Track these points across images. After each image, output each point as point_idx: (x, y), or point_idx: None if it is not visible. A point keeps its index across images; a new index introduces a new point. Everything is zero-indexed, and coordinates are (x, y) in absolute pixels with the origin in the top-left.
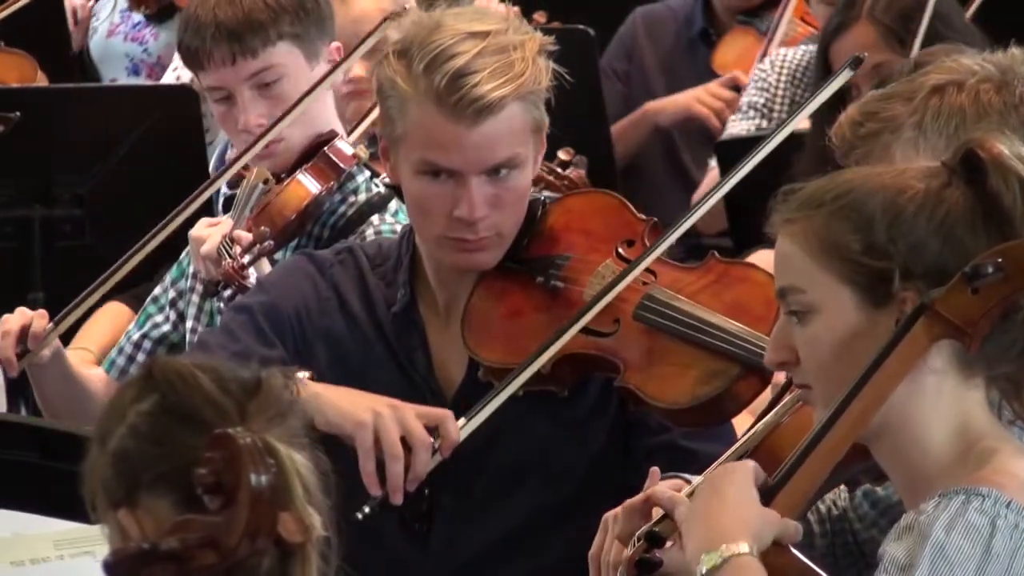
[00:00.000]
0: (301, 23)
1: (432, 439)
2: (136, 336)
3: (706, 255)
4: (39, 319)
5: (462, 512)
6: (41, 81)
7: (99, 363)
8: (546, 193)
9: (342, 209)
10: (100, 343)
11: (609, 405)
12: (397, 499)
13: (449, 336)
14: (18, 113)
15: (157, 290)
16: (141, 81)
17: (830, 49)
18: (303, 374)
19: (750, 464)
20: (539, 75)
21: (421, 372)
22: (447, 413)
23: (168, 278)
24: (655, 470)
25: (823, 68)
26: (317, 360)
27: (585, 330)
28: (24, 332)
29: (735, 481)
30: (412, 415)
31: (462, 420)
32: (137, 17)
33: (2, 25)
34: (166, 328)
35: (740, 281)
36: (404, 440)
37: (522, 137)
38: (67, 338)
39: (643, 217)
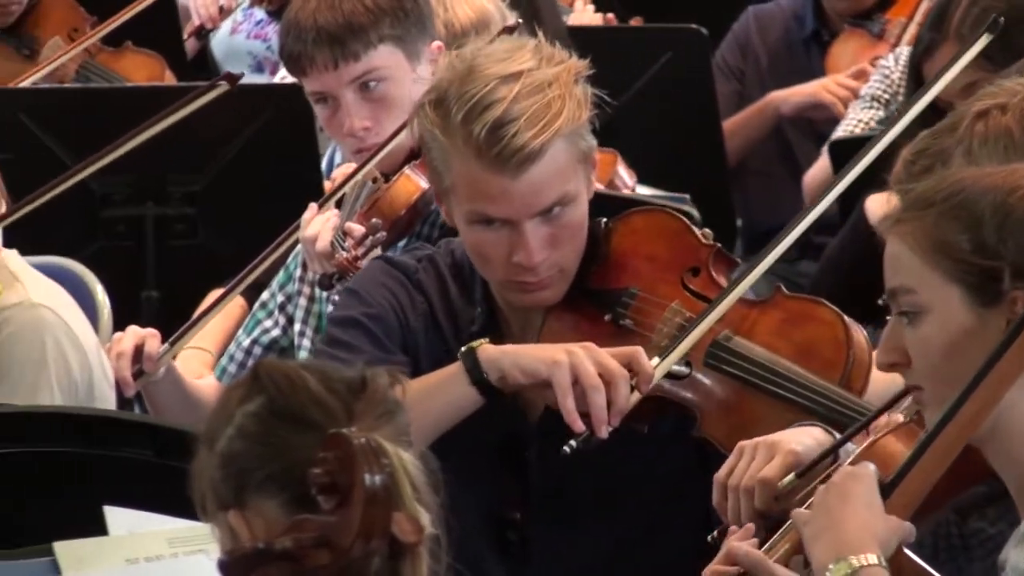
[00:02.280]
0: (401, 24)
1: (627, 375)
2: (246, 343)
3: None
4: (151, 339)
5: (556, 537)
6: (169, 80)
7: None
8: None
9: None
10: (218, 343)
11: (689, 436)
12: (602, 432)
13: None
14: (243, 72)
15: (265, 295)
16: (264, 78)
17: (922, 68)
18: (481, 341)
19: (872, 469)
20: (577, 108)
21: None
22: (638, 349)
23: (275, 282)
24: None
25: (915, 84)
26: (421, 362)
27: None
28: (138, 352)
29: (860, 488)
30: (604, 352)
31: (656, 359)
32: (260, 14)
33: (120, 26)
34: (275, 333)
35: (808, 320)
36: (603, 377)
37: (569, 173)
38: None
39: (707, 242)
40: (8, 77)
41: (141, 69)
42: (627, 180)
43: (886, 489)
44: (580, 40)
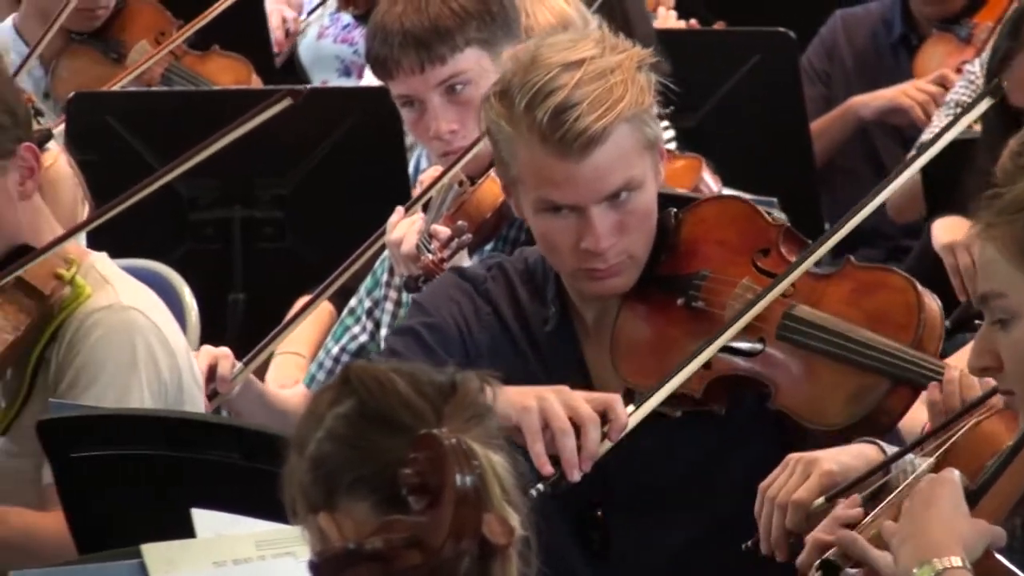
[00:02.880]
0: (488, 27)
1: (599, 420)
2: (335, 350)
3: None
4: (224, 360)
5: (639, 531)
6: (256, 84)
7: None
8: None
9: None
10: (311, 346)
11: (767, 411)
12: (573, 475)
13: (603, 354)
14: (307, 87)
15: (353, 301)
16: (352, 83)
17: (999, 76)
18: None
19: (957, 474)
20: (640, 94)
21: (579, 390)
22: (615, 397)
23: (363, 288)
24: (855, 498)
25: (989, 94)
26: (488, 367)
27: (731, 350)
28: (212, 372)
29: (945, 493)
30: (578, 397)
31: (631, 407)
32: (346, 18)
33: (206, 30)
34: (364, 339)
35: (879, 288)
36: (573, 422)
37: (635, 159)
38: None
39: (775, 222)
40: (96, 81)
41: (227, 73)
42: (712, 186)
43: (975, 494)
44: (668, 44)
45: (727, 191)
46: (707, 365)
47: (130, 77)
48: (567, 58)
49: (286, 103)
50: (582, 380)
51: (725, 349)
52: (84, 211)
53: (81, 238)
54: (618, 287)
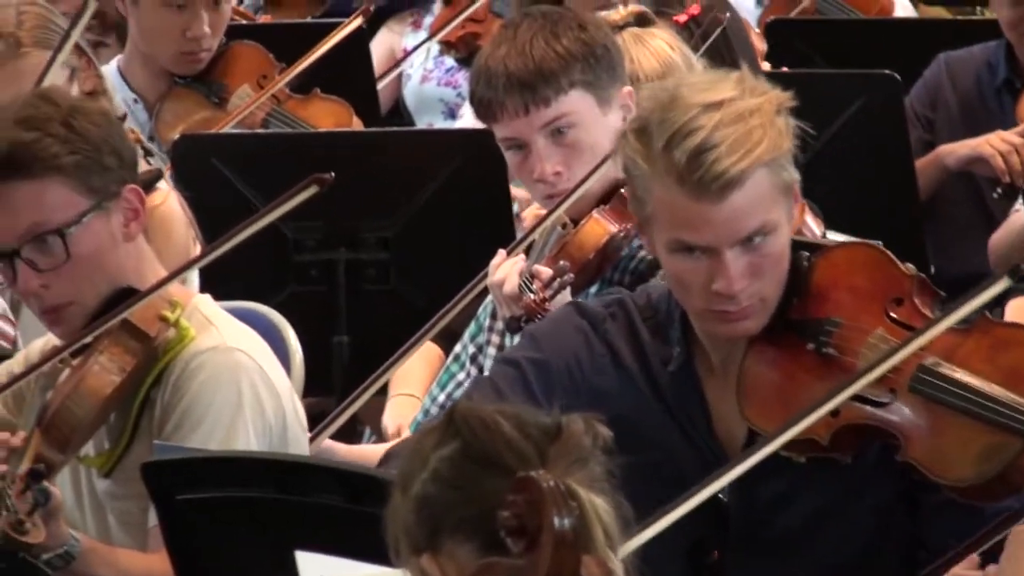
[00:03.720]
0: (592, 70)
1: None
2: (441, 397)
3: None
4: None
5: (752, 574)
6: (356, 126)
7: None
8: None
9: (642, 253)
10: (425, 388)
11: (893, 461)
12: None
13: (727, 394)
14: (332, 174)
15: (457, 348)
16: (457, 125)
17: None
18: None
19: None
20: (779, 138)
21: (701, 431)
22: None
23: (467, 334)
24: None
25: None
26: (607, 408)
27: (861, 399)
28: None
29: None
30: None
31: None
32: (450, 62)
33: (310, 73)
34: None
35: (1015, 345)
36: None
37: (771, 203)
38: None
39: (909, 272)
40: (199, 124)
41: (328, 116)
42: (815, 229)
43: None
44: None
45: (832, 234)
46: (835, 413)
47: (233, 123)
48: (707, 99)
49: (312, 191)
50: (703, 420)
51: (855, 398)
52: (195, 251)
53: (194, 280)
54: (748, 329)
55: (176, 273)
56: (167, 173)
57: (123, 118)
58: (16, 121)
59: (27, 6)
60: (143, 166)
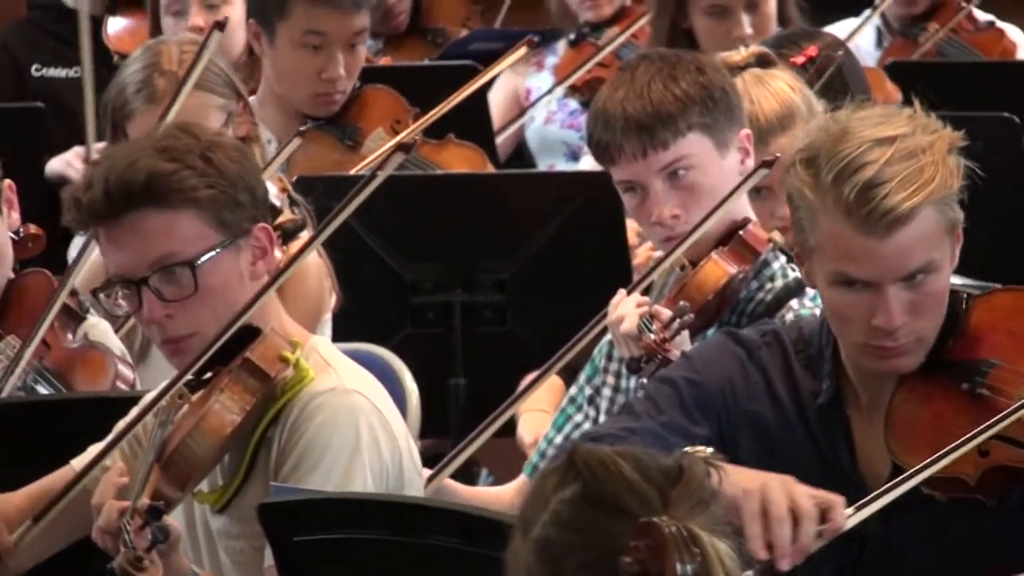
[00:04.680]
0: (710, 113)
1: (817, 516)
2: (558, 440)
3: None
4: None
5: None
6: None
7: None
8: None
9: (759, 296)
10: (553, 406)
11: None
12: (782, 565)
13: (873, 432)
14: (416, 139)
15: (573, 390)
16: (580, 167)
17: None
18: (699, 449)
19: None
20: (950, 177)
21: (845, 466)
22: (838, 499)
23: (583, 376)
24: None
25: None
26: (742, 443)
27: (1012, 441)
28: None
29: None
30: (802, 490)
31: (850, 510)
32: (573, 104)
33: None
34: (586, 427)
35: None
36: (793, 512)
37: (936, 242)
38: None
39: None
40: (331, 166)
41: (462, 162)
42: None
43: None
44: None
45: (954, 279)
46: (985, 453)
47: (370, 167)
48: (879, 133)
49: (400, 159)
50: (848, 455)
51: (1007, 439)
52: (331, 301)
53: (327, 325)
54: (904, 366)
55: (266, 287)
56: (311, 223)
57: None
58: (156, 150)
59: (189, 45)
60: (287, 214)
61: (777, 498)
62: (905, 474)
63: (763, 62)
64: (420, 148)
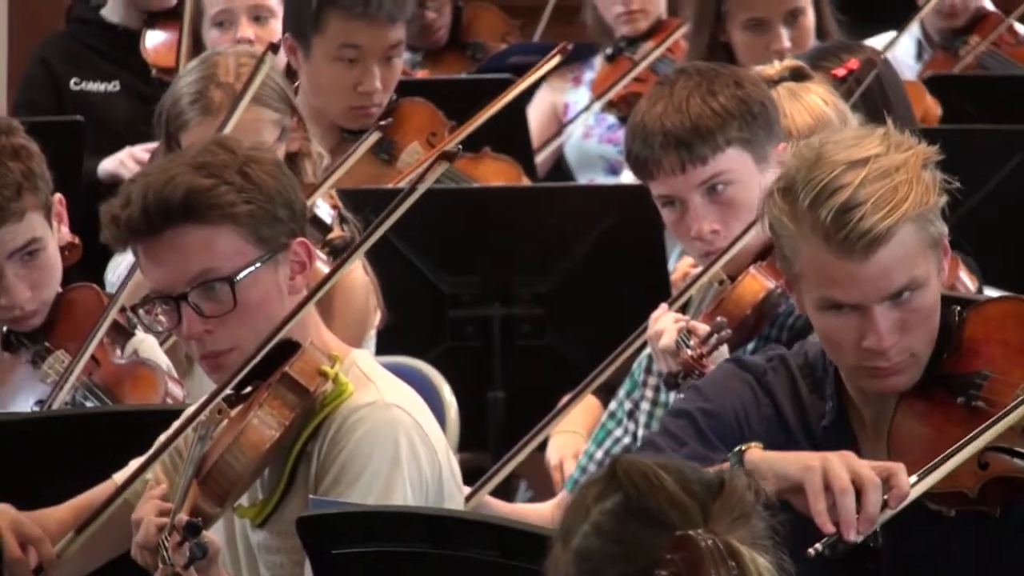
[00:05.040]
0: (749, 127)
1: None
2: (599, 455)
3: None
4: None
5: None
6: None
7: None
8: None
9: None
10: (586, 428)
11: None
12: (850, 535)
13: (880, 449)
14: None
15: (612, 405)
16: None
17: None
18: (754, 444)
19: None
20: (926, 193)
21: None
22: (899, 465)
23: (622, 391)
24: None
25: None
26: None
27: (1010, 451)
28: None
29: None
30: (862, 462)
31: (914, 478)
32: (611, 119)
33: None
34: (626, 441)
35: None
36: (855, 484)
37: (919, 258)
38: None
39: None
40: (367, 180)
41: (498, 175)
42: (969, 284)
43: None
44: (931, 140)
45: (989, 290)
46: (984, 465)
47: (406, 180)
48: (852, 156)
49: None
50: None
51: (1004, 450)
52: (376, 318)
53: (371, 342)
54: (899, 385)
55: (305, 301)
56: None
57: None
58: (193, 166)
59: (247, 58)
60: (337, 231)
61: (838, 470)
62: (924, 470)
63: (797, 75)
64: (457, 164)
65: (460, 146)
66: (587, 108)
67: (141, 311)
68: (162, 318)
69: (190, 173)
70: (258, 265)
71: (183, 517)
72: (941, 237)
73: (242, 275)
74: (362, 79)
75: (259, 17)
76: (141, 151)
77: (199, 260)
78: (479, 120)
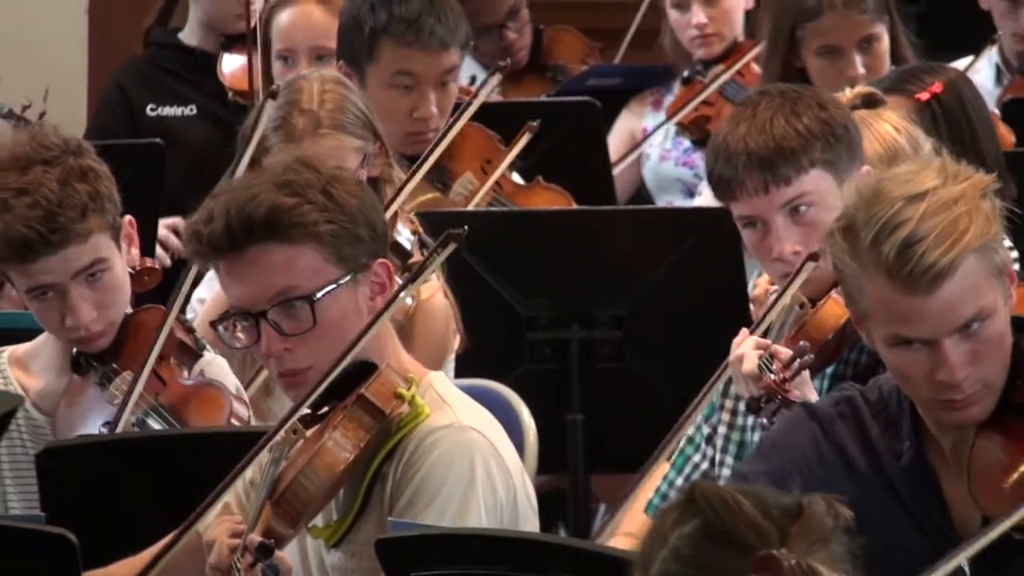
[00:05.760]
0: (832, 149)
1: None
2: (678, 481)
3: None
4: None
5: None
6: None
7: None
8: None
9: None
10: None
11: None
12: None
13: (961, 481)
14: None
15: (690, 430)
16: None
17: None
18: None
19: None
20: (986, 223)
21: (937, 522)
22: None
23: (700, 416)
24: None
25: None
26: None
27: None
28: None
29: None
30: None
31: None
32: (687, 142)
33: (544, 157)
34: (705, 466)
35: None
36: None
37: (984, 288)
38: None
39: None
40: (424, 207)
41: (547, 205)
42: None
43: None
44: (1013, 164)
45: None
46: None
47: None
48: (910, 190)
49: (451, 248)
50: (939, 511)
51: None
52: (456, 343)
53: (450, 367)
54: (975, 416)
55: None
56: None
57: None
58: (278, 184)
59: (331, 85)
60: (417, 256)
61: None
62: (994, 522)
63: (870, 102)
64: (507, 190)
65: (506, 177)
66: (657, 128)
67: (220, 327)
68: (241, 335)
69: (273, 191)
70: (338, 285)
71: (256, 538)
72: (1006, 265)
73: (322, 294)
74: (418, 105)
75: (321, 57)
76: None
77: (280, 278)
78: (515, 148)
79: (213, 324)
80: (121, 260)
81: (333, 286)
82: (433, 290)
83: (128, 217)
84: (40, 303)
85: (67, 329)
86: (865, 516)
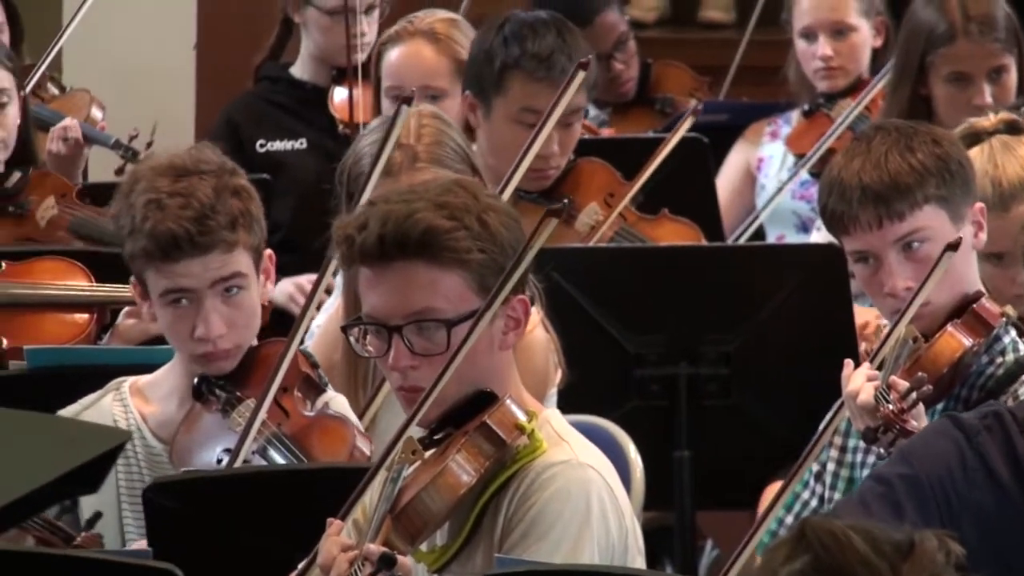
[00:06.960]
0: (947, 185)
1: None
2: (788, 519)
3: None
4: None
5: None
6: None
7: None
8: None
9: (990, 370)
10: None
11: None
12: None
13: None
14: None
15: None
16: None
17: None
18: None
19: None
20: None
21: None
22: None
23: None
24: None
25: None
26: (964, 533)
27: None
28: None
29: None
30: None
31: None
32: (805, 175)
33: (654, 192)
34: (814, 504)
35: None
36: None
37: None
38: None
39: None
40: (548, 241)
41: (675, 237)
42: None
43: None
44: None
45: None
46: None
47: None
48: None
49: (552, 225)
50: None
51: None
52: (556, 377)
53: (551, 401)
54: None
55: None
56: (539, 299)
57: None
58: (436, 204)
59: (428, 119)
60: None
61: None
62: None
63: (1013, 128)
64: (633, 222)
65: (567, 200)
66: (794, 175)
67: (351, 333)
68: (370, 346)
69: (432, 210)
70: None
71: (377, 548)
72: None
73: (460, 322)
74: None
75: (434, 96)
76: (307, 282)
77: (422, 297)
78: (640, 180)
79: (344, 328)
80: (257, 286)
81: (472, 316)
82: (533, 324)
83: (269, 252)
84: (173, 310)
85: (196, 341)
86: (1006, 532)
